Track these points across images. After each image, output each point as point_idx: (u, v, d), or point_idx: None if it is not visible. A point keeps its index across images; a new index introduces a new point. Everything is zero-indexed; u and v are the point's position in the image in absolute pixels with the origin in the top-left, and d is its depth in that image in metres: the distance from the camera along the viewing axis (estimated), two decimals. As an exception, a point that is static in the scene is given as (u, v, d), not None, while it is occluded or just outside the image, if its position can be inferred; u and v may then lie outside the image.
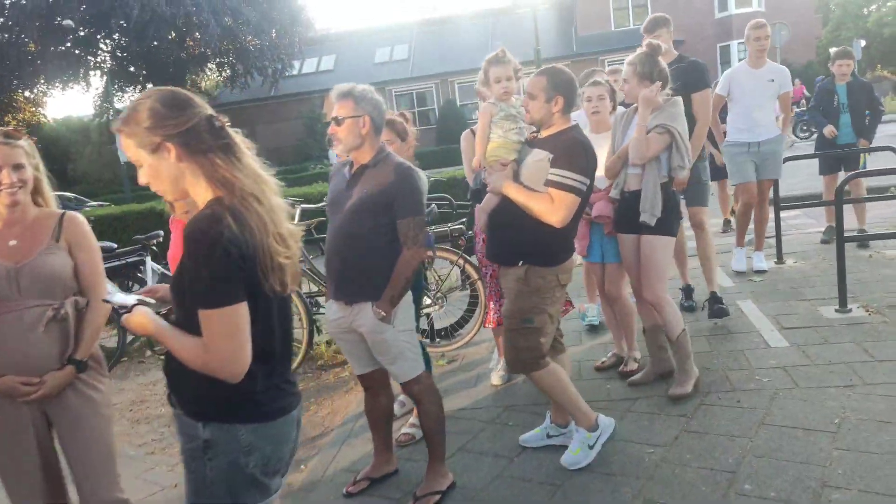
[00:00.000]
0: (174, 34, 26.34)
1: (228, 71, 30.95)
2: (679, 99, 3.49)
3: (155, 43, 26.68)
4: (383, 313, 2.72)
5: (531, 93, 2.80)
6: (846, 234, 4.65)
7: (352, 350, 2.96)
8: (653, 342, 3.76)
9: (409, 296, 2.84)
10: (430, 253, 4.74)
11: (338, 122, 2.70)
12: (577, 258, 3.20)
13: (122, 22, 24.54)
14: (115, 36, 27.14)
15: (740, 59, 27.36)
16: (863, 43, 34.31)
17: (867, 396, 3.28)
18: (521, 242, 2.84)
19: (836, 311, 4.52)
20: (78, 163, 34.90)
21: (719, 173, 6.59)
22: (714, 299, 4.63)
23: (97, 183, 31.93)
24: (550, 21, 34.38)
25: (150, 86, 31.60)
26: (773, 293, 5.13)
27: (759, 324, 4.47)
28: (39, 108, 34.74)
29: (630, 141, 3.38)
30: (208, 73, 33.91)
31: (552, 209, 2.71)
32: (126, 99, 31.73)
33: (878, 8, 47.20)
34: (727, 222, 7.62)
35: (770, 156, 5.59)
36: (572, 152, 2.73)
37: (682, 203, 4.12)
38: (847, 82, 6.37)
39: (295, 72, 33.92)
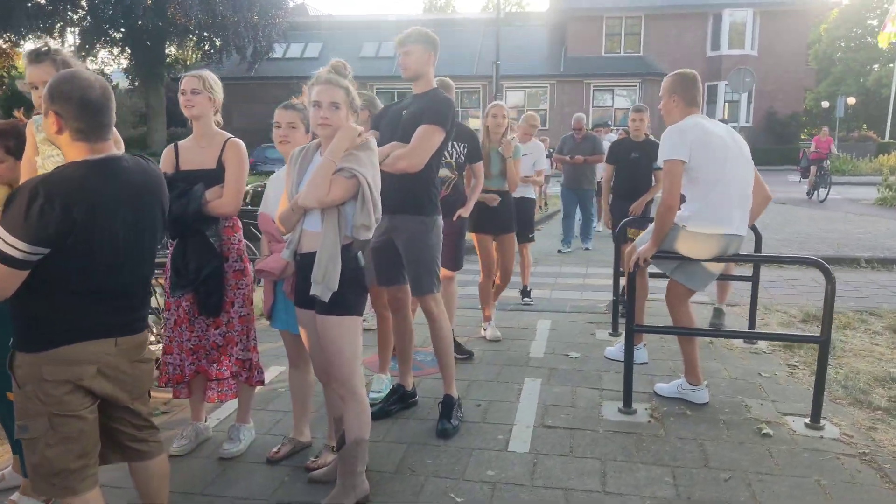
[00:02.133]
0: (150, 1, 25.55)
1: (207, 46, 30.22)
2: (371, 142, 2.78)
3: (139, 9, 25.82)
4: None
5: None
6: (641, 327, 3.97)
7: None
8: (337, 433, 3.07)
9: None
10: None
11: None
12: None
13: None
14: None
15: (726, 100, 27.05)
16: (852, 100, 34.05)
17: (549, 546, 2.61)
18: (12, 316, 2.07)
19: (620, 410, 3.86)
20: (47, 120, 34.02)
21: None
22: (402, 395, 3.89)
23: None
24: (541, 39, 33.88)
25: (127, 50, 30.96)
26: (571, 374, 4.45)
27: (523, 415, 3.79)
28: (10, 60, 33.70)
29: (309, 179, 2.67)
30: (188, 46, 33.04)
31: None
32: (99, 60, 30.92)
33: (880, 67, 46.85)
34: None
35: None
36: (11, 202, 1.90)
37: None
38: None
39: (279, 55, 33.32)
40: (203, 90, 3.18)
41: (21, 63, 36.09)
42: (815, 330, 5.53)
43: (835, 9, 34.49)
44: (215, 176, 3.19)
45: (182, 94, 3.20)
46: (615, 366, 4.53)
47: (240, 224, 3.35)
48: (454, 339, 4.80)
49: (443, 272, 4.68)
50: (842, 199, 16.45)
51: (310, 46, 35.02)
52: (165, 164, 3.30)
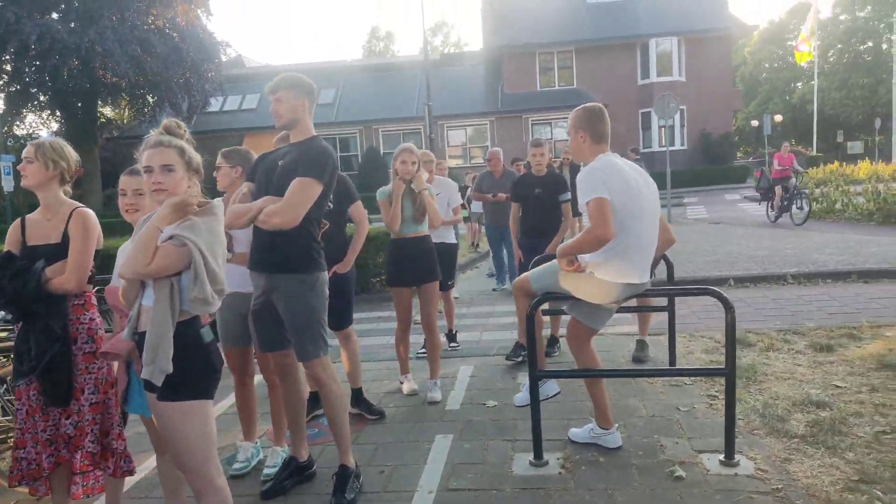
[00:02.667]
0: (77, 61, 25.06)
1: (140, 103, 29.77)
2: (215, 205, 2.56)
3: (63, 71, 25.26)
4: None
5: None
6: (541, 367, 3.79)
7: None
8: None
9: None
10: None
11: None
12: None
13: (21, 47, 23.28)
14: (13, 59, 25.63)
15: (660, 126, 27.66)
16: (779, 118, 35.29)
17: None
18: None
19: (531, 463, 3.65)
20: (-24, 188, 32.96)
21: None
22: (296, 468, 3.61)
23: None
24: (479, 78, 34.34)
25: (57, 113, 30.28)
26: (485, 426, 4.24)
27: (427, 479, 3.54)
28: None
29: (129, 248, 2.42)
30: (121, 105, 32.49)
31: None
32: (26, 125, 30.14)
33: (803, 84, 48.92)
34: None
35: None
36: None
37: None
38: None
39: (216, 108, 33.06)
40: (35, 159, 2.94)
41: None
42: (741, 353, 5.45)
43: (754, 31, 35.89)
44: (61, 250, 2.93)
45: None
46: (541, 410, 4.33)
47: (93, 300, 3.08)
48: (364, 400, 4.58)
49: (336, 332, 4.48)
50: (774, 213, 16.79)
51: (248, 98, 34.85)
52: (11, 241, 3.03)
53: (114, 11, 24.70)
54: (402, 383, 5.08)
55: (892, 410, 4.08)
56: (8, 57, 25.47)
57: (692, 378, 4.88)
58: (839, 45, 45.30)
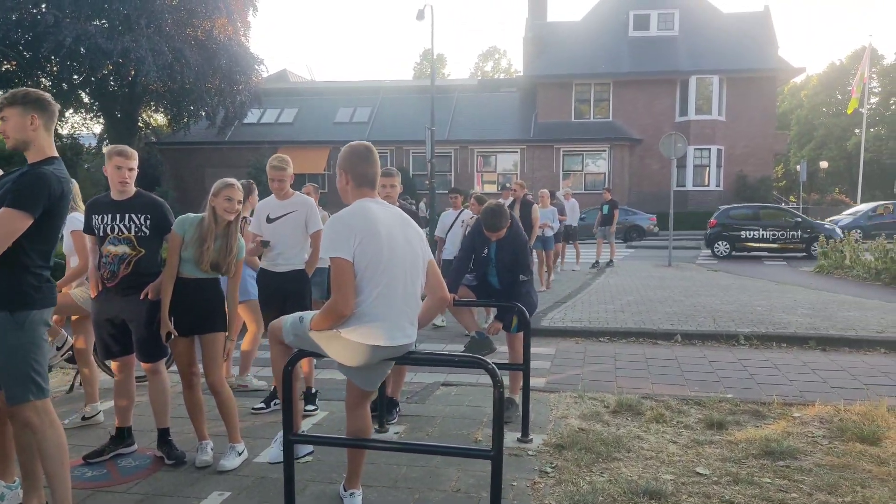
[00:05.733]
0: (111, 66, 25.76)
1: (175, 110, 30.47)
2: None
3: (99, 74, 26.02)
4: None
5: None
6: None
7: None
8: None
9: None
10: None
11: None
12: None
13: (56, 47, 24.05)
14: (59, 60, 26.47)
15: (695, 165, 27.00)
16: (824, 164, 33.88)
17: None
18: None
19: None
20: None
21: None
22: None
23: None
24: (513, 105, 34.14)
25: (100, 116, 31.24)
26: (273, 485, 3.83)
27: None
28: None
29: None
30: (161, 112, 33.34)
31: None
32: (69, 125, 31.17)
33: (862, 131, 47.00)
34: None
35: None
36: None
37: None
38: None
39: (254, 120, 33.71)
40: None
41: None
42: (622, 423, 4.94)
43: (802, 74, 34.70)
44: None
45: None
46: (334, 475, 3.91)
47: None
48: (168, 441, 4.23)
49: (144, 365, 4.17)
50: (786, 265, 15.92)
51: (285, 112, 35.40)
52: None
53: (151, 21, 25.33)
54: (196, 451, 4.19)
55: (733, 511, 3.53)
56: (53, 57, 26.37)
57: (542, 446, 4.39)
58: (901, 93, 43.50)
